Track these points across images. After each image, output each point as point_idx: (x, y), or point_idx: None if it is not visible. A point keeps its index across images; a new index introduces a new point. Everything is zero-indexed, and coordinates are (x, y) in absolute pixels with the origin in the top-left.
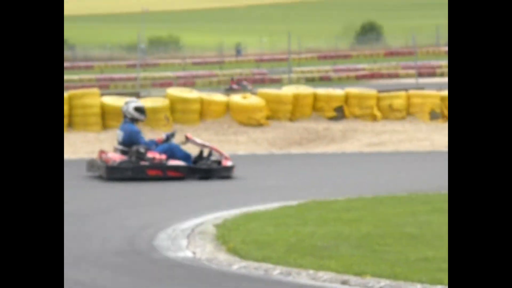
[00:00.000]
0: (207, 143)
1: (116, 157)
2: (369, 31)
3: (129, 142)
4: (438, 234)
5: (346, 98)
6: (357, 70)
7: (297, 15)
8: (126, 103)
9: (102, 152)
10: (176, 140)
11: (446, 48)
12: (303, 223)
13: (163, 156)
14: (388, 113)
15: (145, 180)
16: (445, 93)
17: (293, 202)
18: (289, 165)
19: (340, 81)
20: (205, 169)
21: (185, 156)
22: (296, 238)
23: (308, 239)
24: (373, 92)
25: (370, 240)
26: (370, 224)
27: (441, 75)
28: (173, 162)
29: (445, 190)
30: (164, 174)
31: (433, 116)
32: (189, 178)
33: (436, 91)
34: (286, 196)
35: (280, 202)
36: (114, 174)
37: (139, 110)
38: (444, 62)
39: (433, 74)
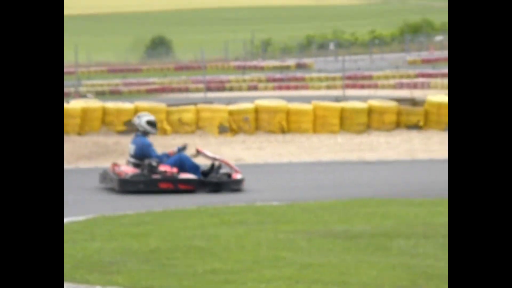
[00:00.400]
0: (217, 156)
1: (128, 170)
2: (159, 45)
3: (141, 155)
4: (225, 246)
5: (136, 112)
6: (147, 84)
7: (85, 28)
8: (139, 116)
9: (115, 164)
10: (187, 153)
11: (235, 63)
12: (91, 239)
13: (175, 170)
14: (178, 127)
15: (156, 193)
16: (232, 107)
17: (81, 218)
18: (77, 179)
19: (130, 95)
20: (216, 182)
21: (194, 167)
22: (83, 254)
23: (96, 255)
24: (162, 106)
25: (159, 254)
26: (158, 238)
27: (230, 89)
28: (184, 176)
29: (234, 203)
30: (175, 187)
31: (222, 130)
32: (199, 191)
33: (224, 105)
34: (74, 212)
35: (68, 218)
36: (126, 187)
37: (151, 123)
38: (233, 77)
39: (222, 89)
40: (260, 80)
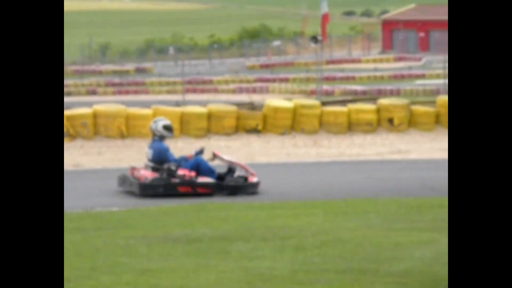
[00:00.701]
0: (233, 160)
1: (148, 174)
2: None
3: (159, 160)
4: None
5: None
6: None
7: None
8: (155, 121)
9: (134, 169)
10: (204, 157)
11: (72, 67)
12: None
13: (193, 173)
14: None
15: (175, 197)
16: (70, 112)
17: None
18: None
19: None
20: (233, 186)
21: (210, 171)
22: None
23: None
24: None
25: None
26: None
27: (68, 94)
28: (202, 179)
29: (71, 209)
30: (194, 190)
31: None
32: (217, 195)
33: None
34: None
35: None
36: (146, 191)
37: (168, 128)
38: (71, 81)
39: None
40: (99, 85)
